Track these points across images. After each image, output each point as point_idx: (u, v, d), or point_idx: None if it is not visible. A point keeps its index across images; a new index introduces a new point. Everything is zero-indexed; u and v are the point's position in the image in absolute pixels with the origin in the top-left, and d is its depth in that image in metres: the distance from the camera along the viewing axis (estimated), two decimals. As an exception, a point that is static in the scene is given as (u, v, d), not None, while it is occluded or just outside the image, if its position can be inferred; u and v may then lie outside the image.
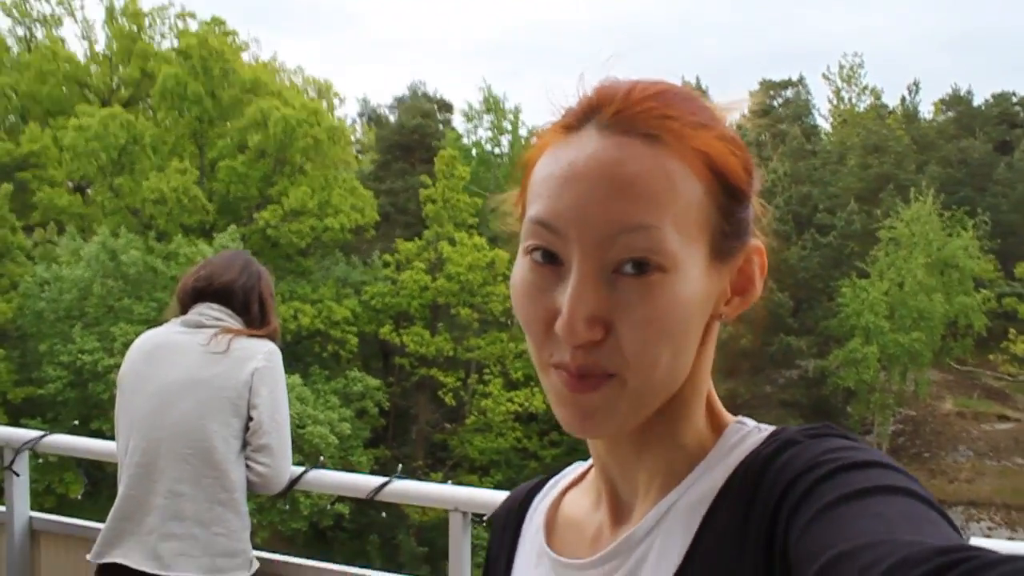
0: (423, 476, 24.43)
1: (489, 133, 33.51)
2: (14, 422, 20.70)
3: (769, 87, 39.32)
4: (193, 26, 31.03)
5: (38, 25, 31.51)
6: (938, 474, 26.51)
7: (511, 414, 25.33)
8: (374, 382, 24.63)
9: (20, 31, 31.11)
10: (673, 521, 0.83)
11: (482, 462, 25.49)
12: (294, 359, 23.28)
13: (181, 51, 29.01)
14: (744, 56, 72.12)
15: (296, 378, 21.78)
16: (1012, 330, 25.37)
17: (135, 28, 31.12)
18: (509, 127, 33.18)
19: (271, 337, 3.06)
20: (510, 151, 33.20)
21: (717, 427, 0.88)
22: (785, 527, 0.72)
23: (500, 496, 2.83)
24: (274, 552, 3.35)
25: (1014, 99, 40.26)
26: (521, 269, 0.82)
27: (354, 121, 35.73)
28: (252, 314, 3.07)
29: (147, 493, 2.86)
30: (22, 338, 22.41)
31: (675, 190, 0.77)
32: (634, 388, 0.78)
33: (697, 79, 45.64)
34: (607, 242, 0.76)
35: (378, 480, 3.06)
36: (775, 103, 39.17)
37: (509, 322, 27.33)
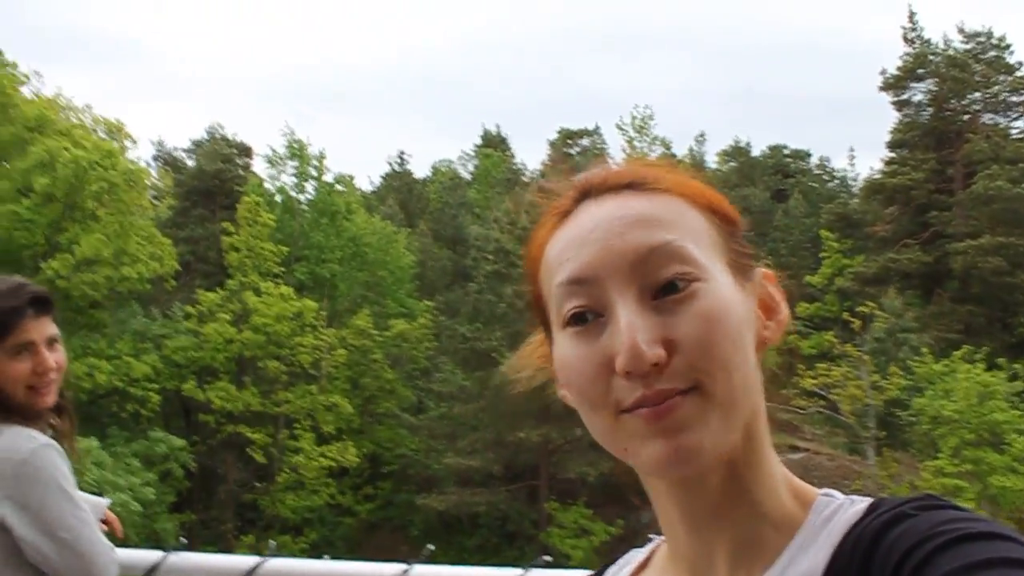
0: (232, 540, 23.46)
1: (293, 179, 32.84)
2: None
3: (567, 136, 40.73)
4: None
5: None
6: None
7: (324, 469, 24.76)
8: (178, 442, 23.48)
9: None
10: None
11: (295, 521, 24.76)
12: (90, 420, 21.85)
13: (-49, 83, 26.86)
14: (539, 104, 74.46)
15: (93, 441, 20.45)
16: (801, 366, 27.25)
17: None
18: (314, 172, 32.63)
19: None
20: (315, 197, 32.62)
21: (802, 499, 0.86)
22: None
23: (387, 568, 2.63)
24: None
25: (787, 151, 43.62)
26: (562, 346, 0.84)
27: (148, 164, 34.10)
28: None
29: None
30: None
31: (679, 216, 0.83)
32: (717, 394, 0.78)
33: (497, 126, 46.76)
34: (639, 267, 0.79)
35: (250, 561, 2.76)
36: (572, 151, 40.56)
37: (319, 374, 26.80)
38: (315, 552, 22.66)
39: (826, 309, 29.34)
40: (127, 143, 31.07)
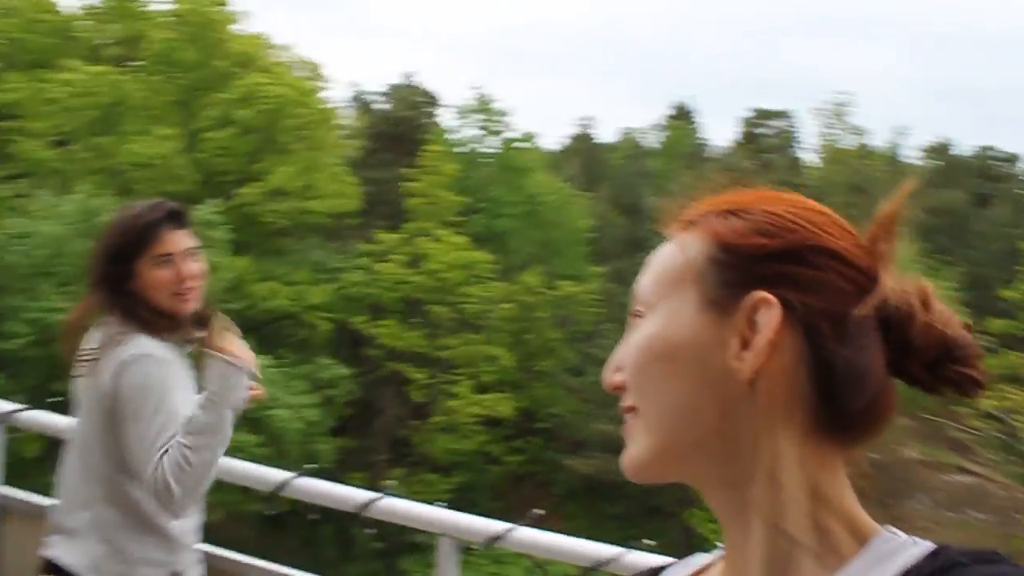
0: (383, 470, 24.12)
1: (478, 132, 33.21)
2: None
3: (759, 115, 39.51)
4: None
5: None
6: (897, 520, 26.51)
7: (478, 417, 25.08)
8: (344, 371, 24.31)
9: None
10: None
11: (444, 462, 25.22)
12: (265, 340, 22.88)
13: (176, 15, 28.42)
14: (734, 80, 72.55)
15: (266, 359, 21.42)
16: (984, 385, 25.47)
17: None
18: (499, 128, 32.91)
19: None
20: (498, 152, 32.88)
21: (858, 533, 0.85)
22: None
23: (493, 525, 2.81)
24: (219, 545, 3.31)
25: (996, 154, 40.85)
26: None
27: (343, 105, 35.23)
28: None
29: None
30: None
31: (670, 255, 0.92)
32: (642, 415, 0.88)
33: (688, 99, 45.94)
34: (633, 306, 0.94)
35: (367, 495, 2.98)
36: (762, 132, 39.33)
37: (484, 324, 27.08)
38: (461, 495, 23.06)
39: (1019, 327, 27.32)
40: (324, 83, 32.20)
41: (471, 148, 33.03)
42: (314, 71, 32.67)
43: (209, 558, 3.02)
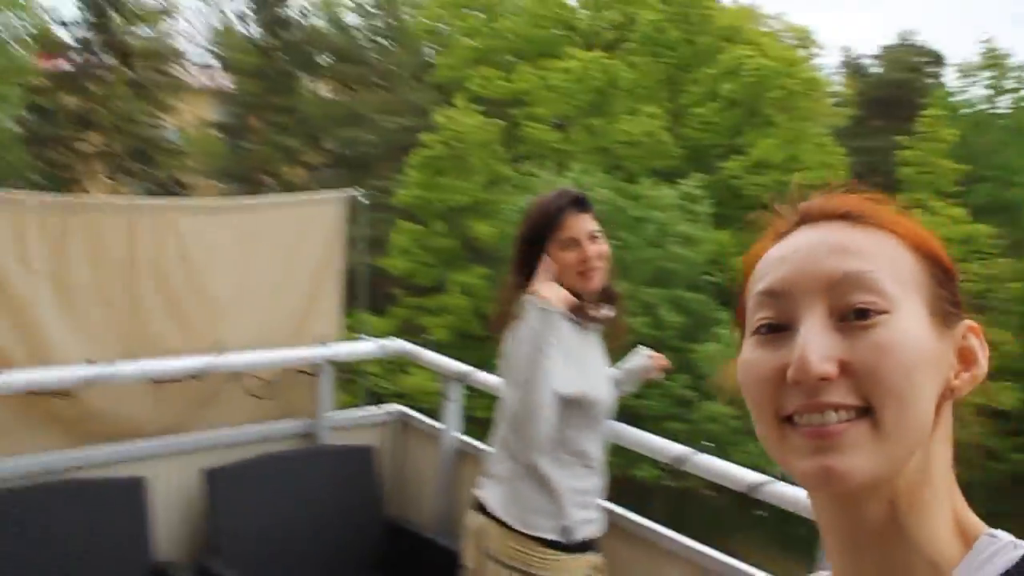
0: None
1: (986, 92, 29.89)
2: (483, 331, 22.78)
3: None
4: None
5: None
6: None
7: (971, 406, 22.67)
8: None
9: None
10: None
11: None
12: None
13: (663, -4, 29.29)
14: None
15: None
16: None
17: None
18: (1013, 85, 29.32)
19: None
20: (1011, 113, 29.35)
21: (965, 537, 0.83)
22: None
23: None
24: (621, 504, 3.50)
25: None
26: (746, 351, 0.86)
27: (833, 71, 33.78)
28: None
29: None
30: (499, 260, 24.27)
31: (884, 251, 0.84)
32: (886, 423, 0.78)
33: None
34: (831, 290, 0.82)
35: (758, 478, 3.01)
36: None
37: (986, 304, 24.51)
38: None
39: None
40: (814, 50, 31.18)
41: (977, 110, 29.90)
42: (803, 38, 31.83)
43: (614, 517, 3.33)
